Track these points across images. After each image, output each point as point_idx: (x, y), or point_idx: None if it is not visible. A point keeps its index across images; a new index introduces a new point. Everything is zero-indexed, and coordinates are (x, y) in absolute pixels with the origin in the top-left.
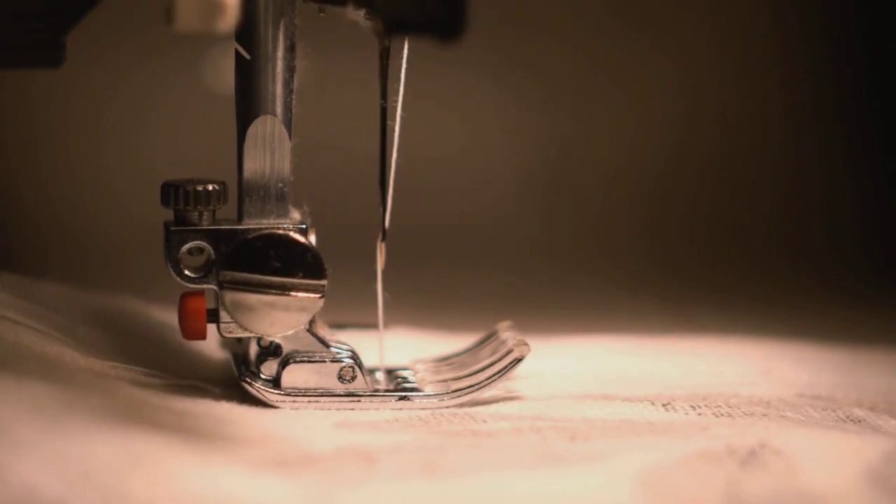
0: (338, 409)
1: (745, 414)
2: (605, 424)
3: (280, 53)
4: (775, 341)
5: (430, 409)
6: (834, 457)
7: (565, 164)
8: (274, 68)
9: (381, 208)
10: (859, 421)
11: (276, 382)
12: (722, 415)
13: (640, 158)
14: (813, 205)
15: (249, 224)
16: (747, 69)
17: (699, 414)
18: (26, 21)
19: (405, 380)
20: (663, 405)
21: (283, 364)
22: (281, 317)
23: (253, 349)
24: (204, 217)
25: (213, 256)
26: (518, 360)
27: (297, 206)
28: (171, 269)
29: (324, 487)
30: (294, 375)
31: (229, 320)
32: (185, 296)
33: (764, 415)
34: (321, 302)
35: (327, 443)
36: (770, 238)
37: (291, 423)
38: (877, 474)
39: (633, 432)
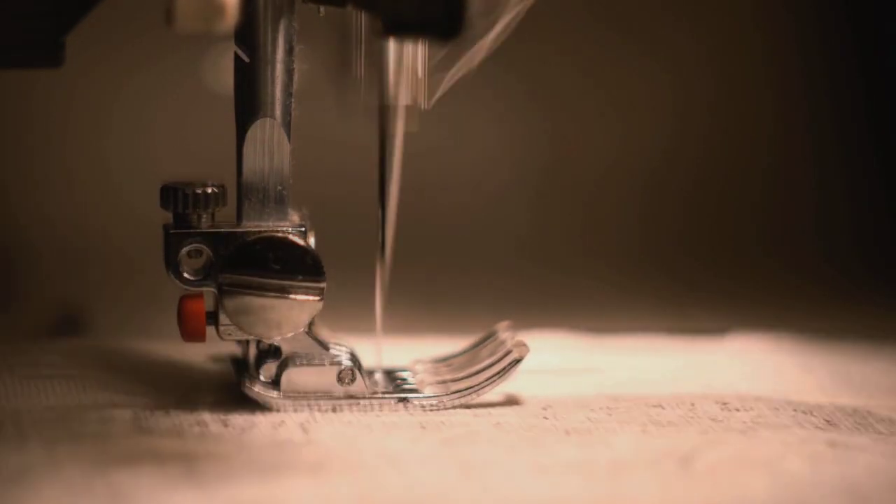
0: (337, 412)
1: (742, 412)
2: (604, 424)
3: (279, 56)
4: (770, 339)
5: (430, 410)
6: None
7: (558, 165)
8: (273, 71)
9: (380, 218)
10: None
11: (275, 385)
12: (716, 419)
13: (633, 158)
14: (806, 204)
15: (248, 226)
16: (738, 68)
17: (695, 413)
18: (26, 21)
19: (404, 381)
20: (660, 404)
21: (283, 367)
22: (280, 319)
23: (252, 352)
24: (203, 219)
25: (213, 259)
26: (517, 361)
27: (297, 208)
28: (171, 272)
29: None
30: (293, 378)
31: (228, 323)
32: (185, 298)
33: (758, 414)
34: (320, 304)
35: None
36: (763, 237)
37: (292, 431)
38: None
39: (630, 433)
